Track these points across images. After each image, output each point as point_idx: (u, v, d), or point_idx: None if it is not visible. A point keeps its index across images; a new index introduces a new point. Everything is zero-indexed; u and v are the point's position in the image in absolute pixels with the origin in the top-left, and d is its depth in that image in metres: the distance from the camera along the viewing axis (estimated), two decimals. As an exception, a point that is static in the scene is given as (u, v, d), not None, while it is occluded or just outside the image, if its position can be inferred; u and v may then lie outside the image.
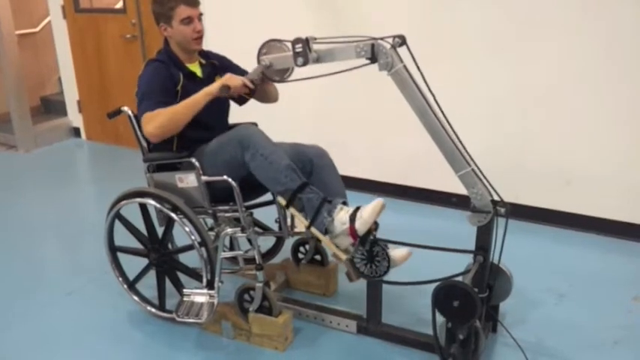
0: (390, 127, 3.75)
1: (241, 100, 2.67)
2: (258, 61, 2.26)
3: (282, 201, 2.27)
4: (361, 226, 2.16)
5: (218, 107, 2.56)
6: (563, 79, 3.19)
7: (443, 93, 2.11)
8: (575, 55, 3.11)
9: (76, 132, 5.64)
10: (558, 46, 3.14)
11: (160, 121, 2.26)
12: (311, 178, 2.44)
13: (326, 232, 2.23)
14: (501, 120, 3.41)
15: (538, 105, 3.28)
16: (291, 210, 2.26)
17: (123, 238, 2.65)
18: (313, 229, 2.24)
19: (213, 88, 2.29)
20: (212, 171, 2.34)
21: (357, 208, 2.21)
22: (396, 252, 2.27)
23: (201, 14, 2.44)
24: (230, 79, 2.29)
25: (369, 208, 2.18)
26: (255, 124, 2.75)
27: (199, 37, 2.44)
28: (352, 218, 2.17)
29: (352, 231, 2.17)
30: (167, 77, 2.39)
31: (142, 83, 2.38)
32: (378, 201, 2.19)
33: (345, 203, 2.36)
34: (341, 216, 2.20)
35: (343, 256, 2.21)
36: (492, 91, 3.39)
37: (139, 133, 2.52)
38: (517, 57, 3.26)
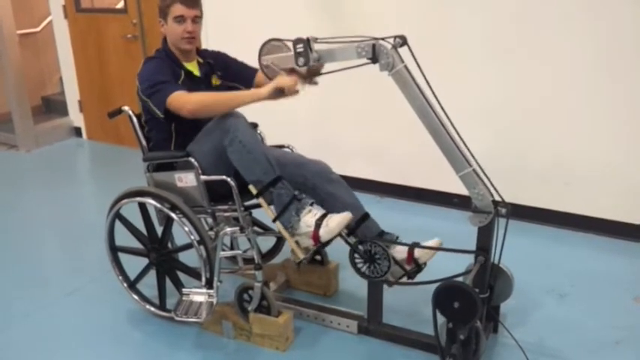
0: (390, 127, 3.74)
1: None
2: (260, 61, 2.26)
3: (253, 190, 2.28)
4: (325, 234, 2.20)
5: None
6: (562, 80, 3.18)
7: (442, 94, 2.11)
8: (575, 56, 3.11)
9: (77, 131, 5.64)
10: (558, 47, 3.13)
11: (203, 100, 2.26)
12: (317, 192, 2.45)
13: (290, 227, 2.26)
14: (501, 121, 3.40)
15: (538, 106, 3.28)
16: (260, 200, 2.27)
17: (124, 237, 2.65)
18: (278, 223, 2.26)
19: (263, 92, 2.20)
20: (202, 161, 2.33)
21: (325, 215, 2.24)
22: (427, 244, 2.30)
23: (197, 17, 2.42)
24: (283, 80, 2.18)
25: (337, 219, 2.21)
26: (256, 125, 2.76)
27: (190, 38, 2.42)
28: (318, 224, 2.20)
29: (315, 236, 2.20)
30: (170, 71, 2.38)
31: (149, 76, 2.35)
32: (346, 214, 2.23)
33: (364, 218, 2.40)
34: (307, 218, 2.23)
35: (301, 255, 2.26)
36: (492, 92, 3.38)
37: (138, 132, 2.53)
38: (517, 58, 3.26)
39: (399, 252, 2.32)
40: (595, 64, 3.07)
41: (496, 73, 3.34)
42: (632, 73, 3.00)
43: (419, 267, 2.32)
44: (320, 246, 2.24)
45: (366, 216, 2.43)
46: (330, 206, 2.44)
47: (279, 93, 2.19)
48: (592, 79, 3.10)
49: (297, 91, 2.22)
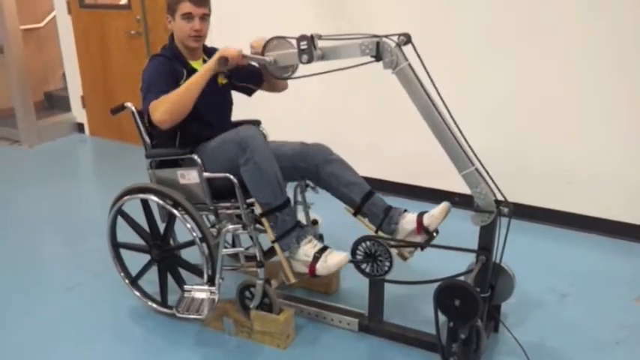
0: (393, 125, 3.74)
1: (249, 91, 2.67)
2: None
3: (259, 210, 2.29)
4: (322, 269, 2.22)
5: (220, 104, 2.56)
6: (564, 80, 3.18)
7: (444, 92, 2.10)
8: (577, 55, 3.10)
9: (80, 127, 5.65)
10: (560, 46, 3.13)
11: (166, 106, 2.24)
12: (320, 174, 2.45)
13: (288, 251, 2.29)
14: (503, 120, 3.40)
15: (540, 105, 3.28)
16: (263, 220, 2.29)
17: (125, 233, 2.65)
18: (276, 245, 2.29)
19: (211, 63, 2.27)
20: (212, 169, 2.34)
21: (325, 248, 2.26)
22: (434, 210, 2.31)
23: (205, 15, 2.42)
24: (226, 50, 2.26)
25: (336, 258, 2.22)
26: (259, 122, 2.76)
27: (197, 36, 2.42)
28: (317, 257, 2.22)
29: (312, 268, 2.23)
30: (170, 72, 2.38)
31: (146, 77, 2.37)
32: (345, 255, 2.23)
33: (368, 195, 2.39)
34: (307, 248, 2.26)
35: (292, 279, 2.29)
36: (494, 91, 3.38)
37: (141, 128, 2.52)
38: (519, 57, 3.25)
39: (408, 223, 2.33)
40: (597, 64, 3.07)
41: (499, 73, 3.34)
42: (634, 73, 2.99)
43: (430, 235, 2.32)
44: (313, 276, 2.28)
45: (370, 193, 2.43)
46: (333, 187, 2.45)
47: (224, 62, 2.24)
48: (594, 79, 3.10)
49: (243, 63, 2.28)
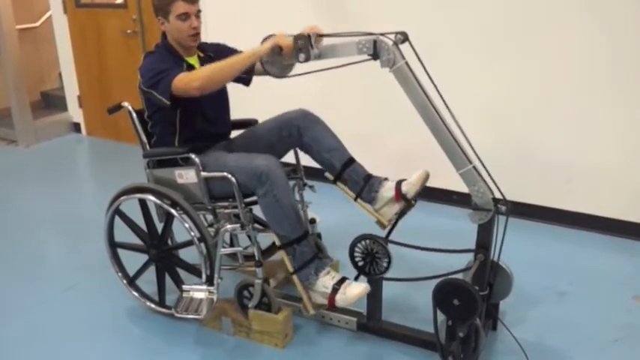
0: (389, 123, 3.74)
1: (245, 81, 2.64)
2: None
3: (277, 241, 2.30)
4: (342, 301, 2.22)
5: (220, 99, 2.55)
6: (565, 78, 3.18)
7: (443, 91, 2.10)
8: (578, 53, 3.10)
9: (77, 127, 5.64)
10: (560, 44, 3.13)
11: (208, 73, 2.21)
12: (302, 139, 2.47)
13: (306, 282, 2.29)
14: (502, 118, 3.40)
15: (539, 103, 3.28)
16: (281, 252, 2.30)
17: (123, 233, 2.64)
18: (295, 277, 2.29)
19: (262, 49, 2.18)
20: (222, 187, 2.32)
21: (343, 280, 2.26)
22: (412, 177, 2.33)
23: (199, 11, 2.41)
24: (282, 38, 2.16)
25: (356, 290, 2.21)
26: (256, 121, 2.75)
27: (195, 34, 2.41)
28: (335, 288, 2.23)
29: (331, 300, 2.23)
30: (172, 62, 2.36)
31: (151, 66, 2.32)
32: (365, 287, 2.23)
33: (349, 162, 2.41)
34: (325, 280, 2.26)
35: (311, 311, 2.29)
36: (493, 89, 3.38)
37: (138, 128, 2.52)
38: (519, 55, 3.25)
39: (387, 191, 2.35)
40: (598, 62, 3.07)
41: (497, 71, 3.34)
42: (635, 71, 2.99)
43: (409, 203, 2.33)
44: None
45: (351, 160, 2.44)
46: (315, 152, 2.46)
47: (278, 51, 2.17)
48: (595, 77, 3.10)
49: (291, 54, 2.18)
